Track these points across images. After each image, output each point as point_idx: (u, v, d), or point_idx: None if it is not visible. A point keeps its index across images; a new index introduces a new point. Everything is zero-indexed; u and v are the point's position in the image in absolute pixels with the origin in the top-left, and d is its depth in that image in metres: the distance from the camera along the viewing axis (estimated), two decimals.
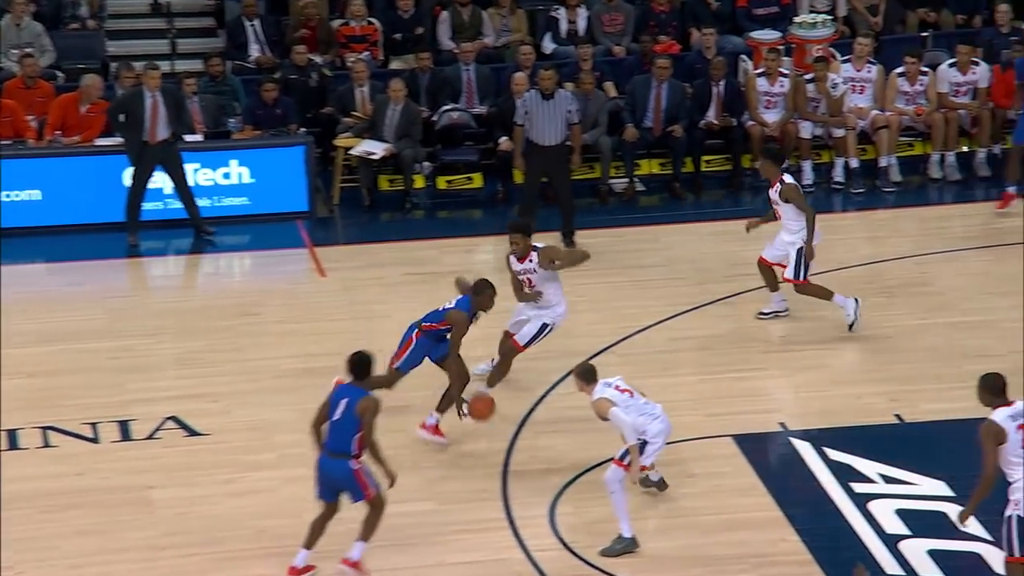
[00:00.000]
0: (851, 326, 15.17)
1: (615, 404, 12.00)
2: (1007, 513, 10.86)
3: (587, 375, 12.17)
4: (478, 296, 13.44)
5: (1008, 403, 10.82)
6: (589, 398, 12.13)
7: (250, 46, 20.43)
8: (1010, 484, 10.81)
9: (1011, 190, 17.35)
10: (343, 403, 11.36)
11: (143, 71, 18.14)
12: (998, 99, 19.02)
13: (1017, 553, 10.84)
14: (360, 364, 11.49)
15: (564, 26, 20.51)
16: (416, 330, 13.68)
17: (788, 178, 15.15)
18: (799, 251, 15.09)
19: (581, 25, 20.45)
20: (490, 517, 12.54)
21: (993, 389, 10.89)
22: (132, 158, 18.08)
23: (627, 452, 12.02)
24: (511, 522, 12.47)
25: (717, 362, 14.76)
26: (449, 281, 15.31)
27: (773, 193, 15.18)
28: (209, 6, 21.58)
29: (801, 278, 15.17)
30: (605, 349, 15.34)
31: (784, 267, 15.26)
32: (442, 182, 19.57)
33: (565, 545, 12.17)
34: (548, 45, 20.48)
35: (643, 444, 12.07)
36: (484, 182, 19.46)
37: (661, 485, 12.69)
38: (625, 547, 11.99)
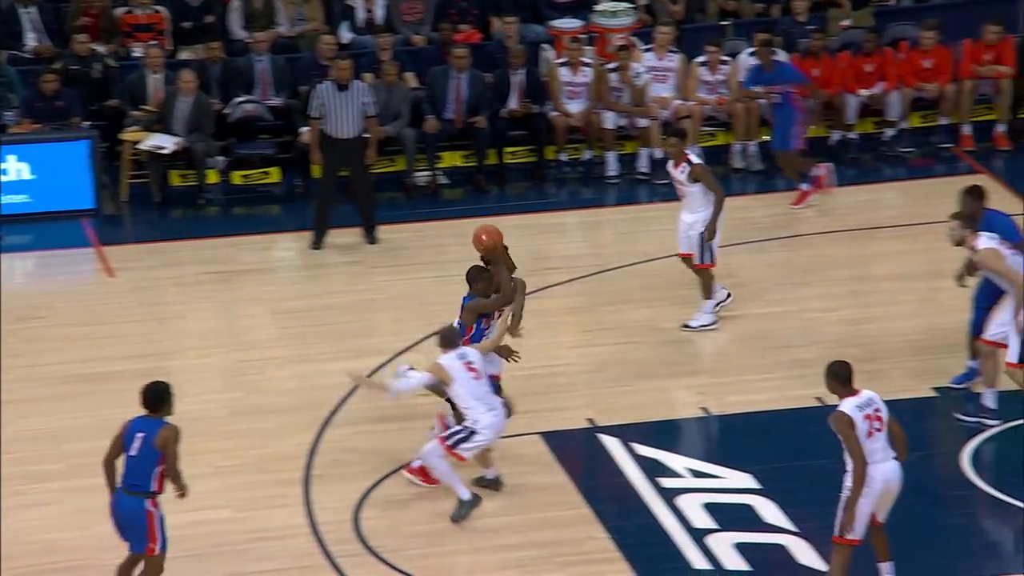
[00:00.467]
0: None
1: (452, 376, 12.03)
2: (844, 496, 10.95)
3: (447, 339, 12.20)
4: (477, 284, 12.87)
5: (854, 392, 10.98)
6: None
7: (26, 35, 19.69)
8: (846, 472, 10.96)
9: (804, 187, 17.42)
10: (139, 437, 10.80)
11: None
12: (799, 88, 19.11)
13: (848, 536, 10.97)
14: (155, 396, 10.94)
15: (361, 15, 20.16)
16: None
17: (695, 157, 15.01)
18: (701, 235, 14.90)
19: (379, 14, 20.12)
20: (291, 524, 12.28)
21: (840, 378, 11.04)
22: None
23: (453, 432, 12.11)
24: (314, 528, 12.22)
25: (524, 358, 14.54)
26: (249, 279, 15.05)
27: (679, 173, 14.95)
28: None
29: (709, 261, 14.98)
30: (411, 346, 15.07)
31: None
32: (237, 177, 19.09)
33: (370, 550, 11.96)
34: (345, 35, 20.11)
35: (471, 432, 12.07)
36: (282, 176, 19.01)
37: (496, 484, 12.54)
38: (471, 507, 12.13)
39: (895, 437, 11.02)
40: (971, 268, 13.40)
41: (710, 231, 14.73)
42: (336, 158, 17.20)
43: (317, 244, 17.33)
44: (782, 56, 19.04)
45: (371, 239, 17.34)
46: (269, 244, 17.71)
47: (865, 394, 11.00)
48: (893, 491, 11.02)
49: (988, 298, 13.60)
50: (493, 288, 12.82)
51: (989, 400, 13.23)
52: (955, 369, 13.95)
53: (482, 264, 12.86)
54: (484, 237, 12.94)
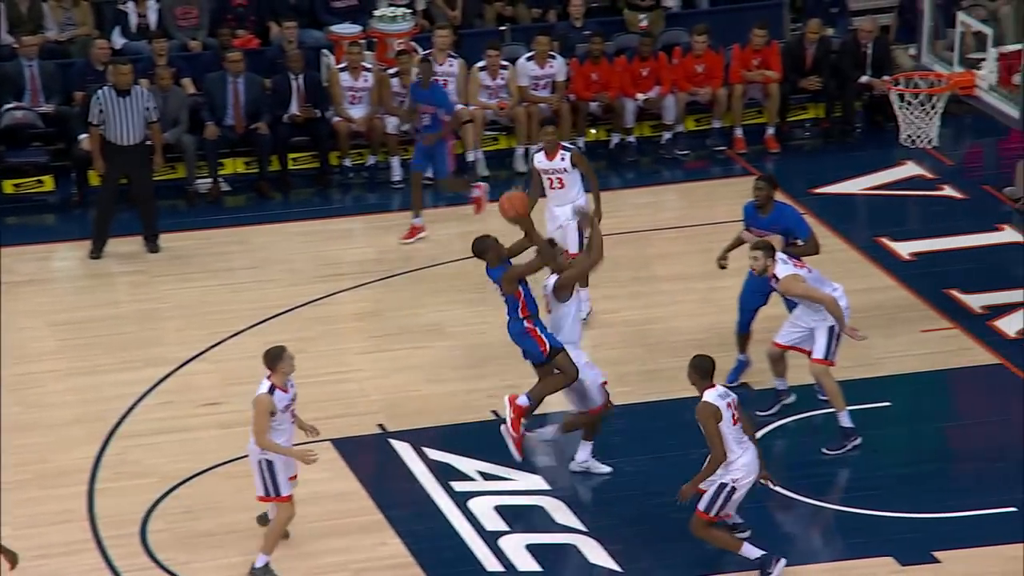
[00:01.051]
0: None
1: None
2: (721, 480, 11.54)
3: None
4: (489, 254, 12.75)
5: (712, 385, 11.53)
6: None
7: None
8: (730, 462, 11.46)
9: (418, 222, 17.17)
10: None
11: None
12: (577, 92, 19.31)
13: (712, 513, 11.60)
14: None
15: (134, 20, 19.79)
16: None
17: (570, 145, 15.01)
18: (579, 224, 14.91)
19: (152, 19, 19.77)
20: (75, 539, 12.09)
21: (702, 371, 11.55)
22: None
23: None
24: (99, 543, 12.04)
25: (312, 365, 14.44)
26: (26, 291, 14.67)
27: (559, 162, 14.93)
28: None
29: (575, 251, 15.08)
30: (196, 356, 14.85)
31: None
32: (9, 186, 18.56)
33: (158, 563, 11.80)
34: (118, 40, 19.71)
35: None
36: (56, 185, 18.55)
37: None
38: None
39: (746, 425, 11.64)
40: (734, 246, 13.71)
41: (599, 214, 14.76)
42: (118, 165, 16.85)
43: (97, 253, 16.96)
44: (558, 59, 19.22)
45: (153, 248, 17.02)
46: (46, 254, 17.26)
47: (720, 387, 11.59)
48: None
49: (752, 299, 13.92)
50: (509, 252, 12.85)
51: (845, 420, 13.23)
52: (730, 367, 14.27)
53: (483, 237, 12.83)
54: (508, 206, 13.00)
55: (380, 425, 13.74)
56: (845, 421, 13.16)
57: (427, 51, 19.25)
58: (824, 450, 13.16)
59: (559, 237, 14.87)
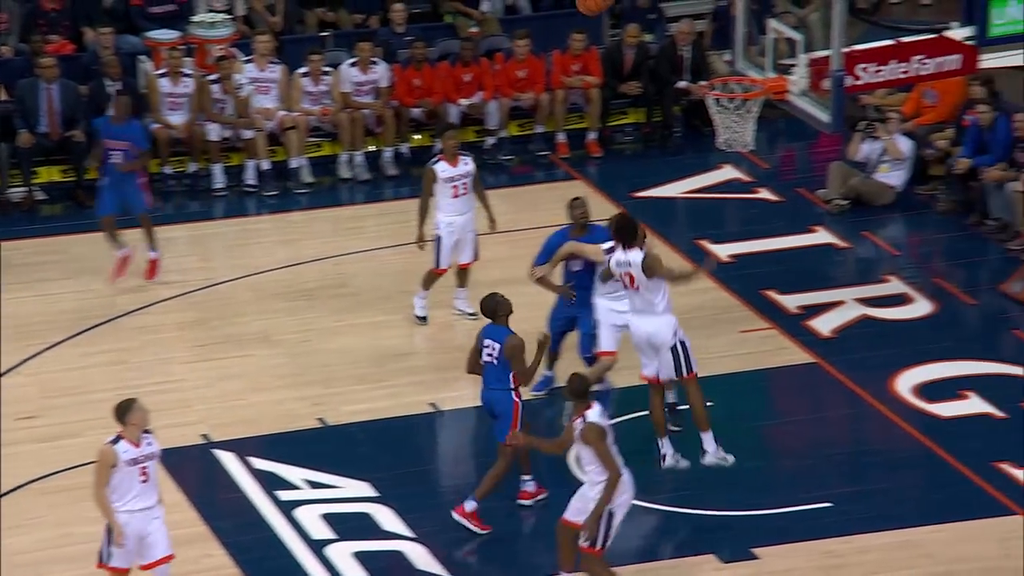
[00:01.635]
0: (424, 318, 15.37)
1: None
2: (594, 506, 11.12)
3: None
4: (497, 315, 12.65)
5: (590, 405, 11.26)
6: None
7: None
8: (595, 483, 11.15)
9: (124, 253, 16.31)
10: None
11: None
12: (400, 98, 19.31)
13: (599, 547, 11.21)
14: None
15: None
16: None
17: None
18: (437, 239, 15.05)
19: None
20: None
21: (579, 392, 11.32)
22: None
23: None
24: None
25: (133, 376, 14.29)
26: None
27: (462, 167, 14.94)
28: None
29: (441, 266, 15.15)
30: (12, 369, 14.59)
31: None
32: None
33: None
34: None
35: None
36: None
37: None
38: None
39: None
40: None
41: (493, 221, 15.07)
42: None
43: None
44: (381, 65, 19.19)
45: None
46: None
47: (597, 406, 11.31)
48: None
49: (560, 320, 13.98)
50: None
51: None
52: (571, 368, 14.34)
53: (493, 295, 12.66)
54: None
55: (204, 435, 13.62)
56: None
57: (248, 57, 19.13)
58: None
59: (454, 247, 15.02)
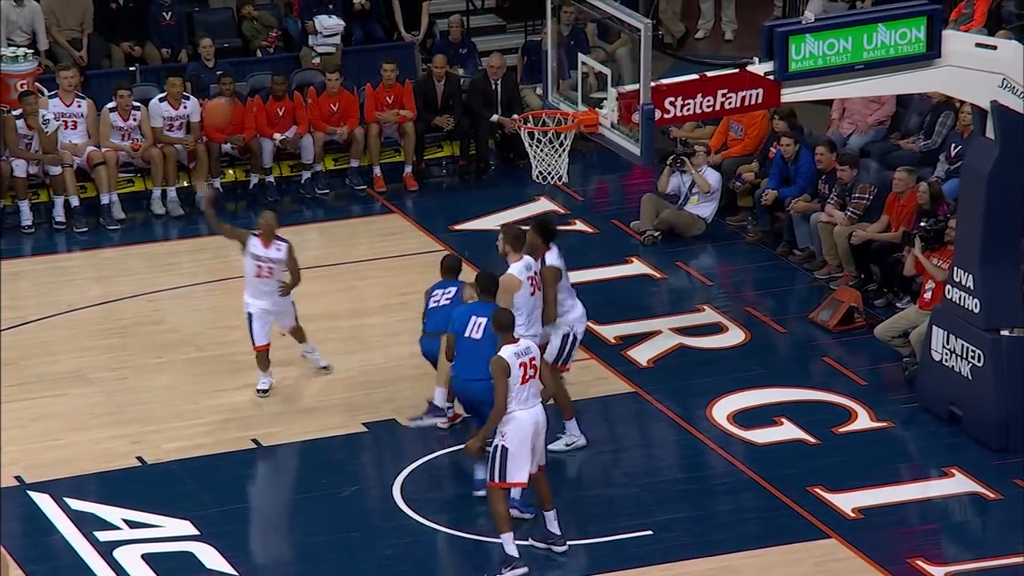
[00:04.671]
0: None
1: None
2: (496, 443, 12.02)
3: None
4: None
5: (515, 340, 12.04)
6: None
7: None
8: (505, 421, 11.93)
9: None
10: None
11: None
12: (209, 133, 19.15)
13: (497, 480, 12.03)
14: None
15: None
16: None
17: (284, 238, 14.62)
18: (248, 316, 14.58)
19: None
20: None
21: (503, 325, 12.14)
22: None
23: None
24: None
25: None
26: None
27: (274, 252, 14.46)
28: None
29: (257, 344, 14.65)
30: None
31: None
32: None
33: None
34: None
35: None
36: None
37: None
38: None
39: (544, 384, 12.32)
40: None
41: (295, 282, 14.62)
42: None
43: None
44: (191, 100, 19.02)
45: None
46: None
47: (524, 343, 12.09)
48: (542, 433, 12.16)
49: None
50: None
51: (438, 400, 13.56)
52: (384, 404, 14.39)
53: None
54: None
55: (18, 477, 13.36)
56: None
57: (53, 92, 18.84)
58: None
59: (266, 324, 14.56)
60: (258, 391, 14.71)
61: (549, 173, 14.95)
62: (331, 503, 13.11)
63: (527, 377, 11.99)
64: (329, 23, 20.65)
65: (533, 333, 13.20)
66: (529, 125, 14.96)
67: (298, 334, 14.98)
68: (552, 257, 13.72)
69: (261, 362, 14.73)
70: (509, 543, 12.13)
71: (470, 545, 12.60)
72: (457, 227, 18.23)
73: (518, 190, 18.79)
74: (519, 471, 12.01)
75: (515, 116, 18.84)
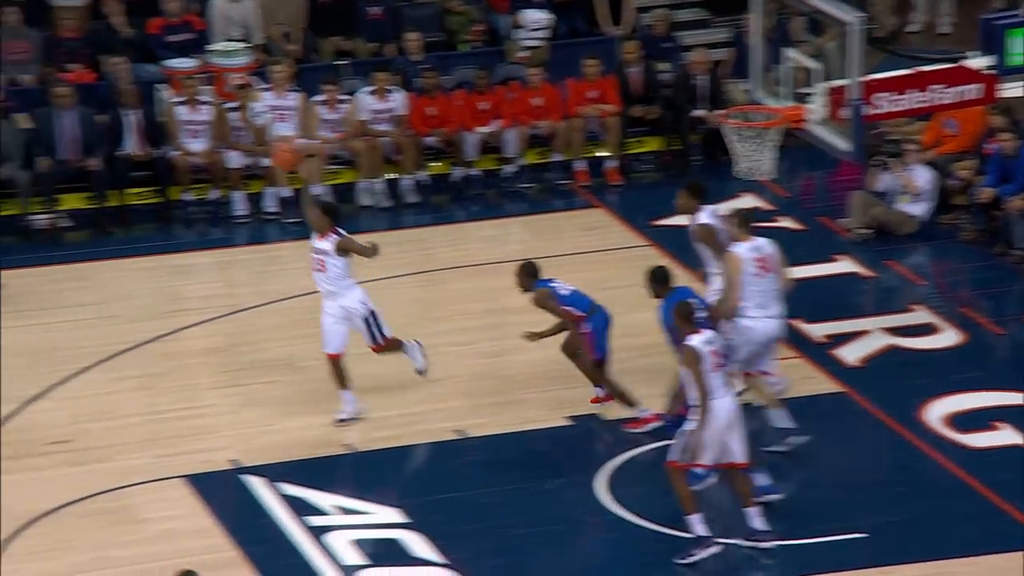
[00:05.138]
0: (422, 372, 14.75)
1: None
2: (687, 427, 12.04)
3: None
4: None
5: (697, 330, 12.06)
6: None
7: None
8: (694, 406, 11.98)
9: None
10: None
11: None
12: (414, 126, 19.35)
13: (680, 459, 12.08)
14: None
15: None
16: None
17: (342, 232, 14.19)
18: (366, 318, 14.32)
19: None
20: None
21: (684, 316, 12.12)
22: None
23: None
24: None
25: (162, 401, 14.29)
26: None
27: (324, 243, 14.09)
28: None
29: (380, 342, 14.46)
30: (42, 394, 14.58)
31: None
32: None
33: None
34: None
35: None
36: None
37: None
38: None
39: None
40: None
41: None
42: None
43: None
44: (398, 93, 19.26)
45: None
46: None
47: (708, 332, 12.12)
48: (736, 425, 12.09)
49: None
50: None
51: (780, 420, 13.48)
52: (588, 398, 14.38)
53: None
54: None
55: (233, 461, 13.62)
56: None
57: (266, 85, 19.19)
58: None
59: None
60: (339, 420, 14.21)
61: (754, 169, 14.84)
62: (535, 495, 13.15)
63: (717, 365, 11.99)
64: (536, 17, 20.74)
65: (770, 314, 13.16)
66: (734, 120, 14.85)
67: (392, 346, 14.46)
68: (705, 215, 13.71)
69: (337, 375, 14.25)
70: (697, 523, 12.12)
71: (680, 542, 12.52)
72: (659, 222, 18.17)
73: (722, 186, 18.59)
74: (703, 455, 12.03)
75: (719, 111, 18.77)
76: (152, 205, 18.74)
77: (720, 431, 11.99)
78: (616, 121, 19.53)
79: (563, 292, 14.01)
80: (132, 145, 18.68)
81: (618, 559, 12.47)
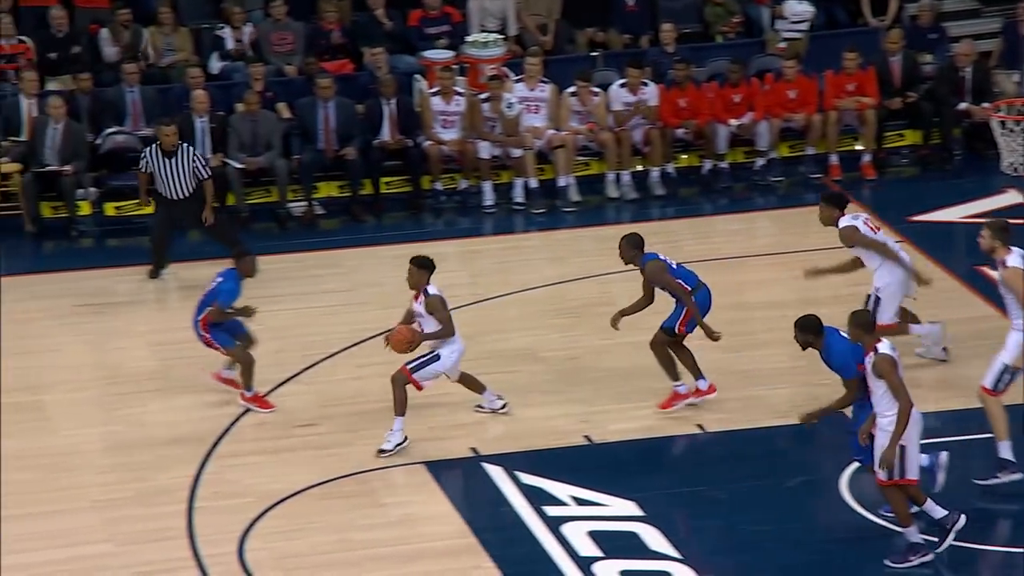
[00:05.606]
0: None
1: None
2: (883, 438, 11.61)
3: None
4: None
5: (880, 339, 11.66)
6: None
7: None
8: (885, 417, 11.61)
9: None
10: None
11: None
12: (664, 118, 19.31)
13: (896, 477, 11.68)
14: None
15: (230, 44, 20.06)
16: None
17: (433, 289, 13.73)
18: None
19: (248, 43, 20.03)
20: (175, 556, 12.14)
21: (867, 326, 11.65)
22: None
23: None
24: (198, 561, 12.10)
25: None
26: (124, 311, 14.65)
27: (417, 305, 13.62)
28: None
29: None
30: (291, 378, 14.96)
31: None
32: (110, 208, 18.85)
33: None
34: (215, 64, 19.99)
35: None
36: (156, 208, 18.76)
37: None
38: None
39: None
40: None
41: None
42: (168, 215, 17.17)
43: (155, 273, 17.22)
44: (650, 87, 19.23)
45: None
46: (144, 276, 17.48)
47: (887, 341, 11.70)
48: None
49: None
50: None
51: (1005, 451, 12.87)
52: (829, 396, 14.11)
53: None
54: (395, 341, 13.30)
55: (472, 448, 13.77)
56: (1004, 452, 12.82)
57: (518, 76, 19.36)
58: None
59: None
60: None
61: (1022, 164, 14.38)
62: (775, 493, 12.99)
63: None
64: (798, 9, 20.51)
65: None
66: (1001, 113, 14.42)
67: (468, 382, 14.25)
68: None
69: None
70: (914, 535, 11.83)
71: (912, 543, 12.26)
72: (916, 218, 17.78)
73: (984, 181, 18.14)
74: (913, 467, 11.67)
75: (985, 104, 18.29)
76: (403, 194, 19.09)
77: (918, 437, 11.59)
78: (874, 114, 19.21)
79: (673, 265, 13.83)
80: (386, 134, 19.06)
81: (857, 560, 12.23)
